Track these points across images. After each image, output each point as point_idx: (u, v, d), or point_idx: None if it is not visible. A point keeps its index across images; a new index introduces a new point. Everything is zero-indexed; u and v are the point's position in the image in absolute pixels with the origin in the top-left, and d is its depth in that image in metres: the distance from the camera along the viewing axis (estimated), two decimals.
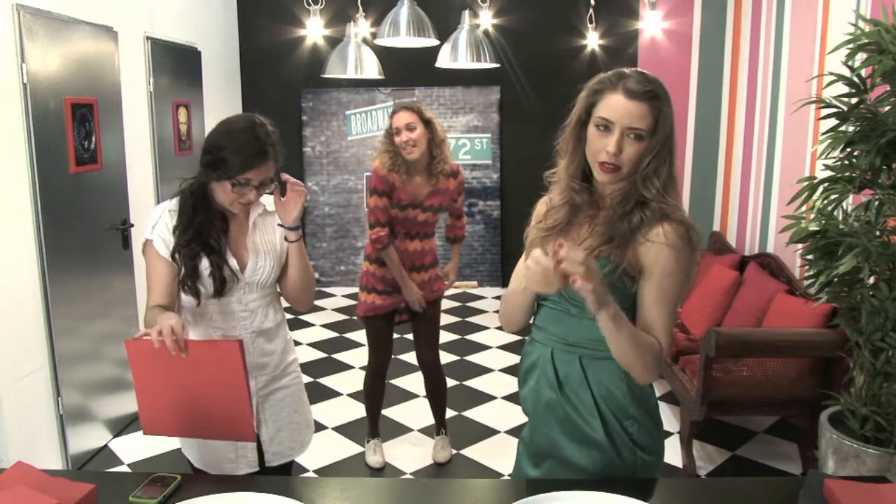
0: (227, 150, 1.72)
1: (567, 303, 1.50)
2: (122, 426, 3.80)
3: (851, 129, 2.44)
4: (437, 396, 3.47)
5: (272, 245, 1.89)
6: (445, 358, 4.54)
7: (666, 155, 1.44)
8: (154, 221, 1.82)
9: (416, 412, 3.97)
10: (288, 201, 1.80)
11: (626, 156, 1.43)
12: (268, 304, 1.91)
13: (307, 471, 3.33)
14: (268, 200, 1.91)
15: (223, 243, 1.81)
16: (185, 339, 1.58)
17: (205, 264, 1.78)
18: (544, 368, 1.55)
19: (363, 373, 4.63)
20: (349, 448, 3.61)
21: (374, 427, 3.49)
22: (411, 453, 3.53)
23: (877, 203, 2.42)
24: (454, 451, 3.53)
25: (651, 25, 5.83)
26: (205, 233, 1.78)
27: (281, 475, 1.94)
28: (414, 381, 4.37)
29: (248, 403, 1.63)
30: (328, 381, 4.50)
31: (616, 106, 1.42)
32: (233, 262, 1.82)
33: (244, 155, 1.71)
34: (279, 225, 1.84)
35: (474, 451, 3.55)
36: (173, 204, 1.83)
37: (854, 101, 2.41)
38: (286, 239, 1.85)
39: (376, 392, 3.45)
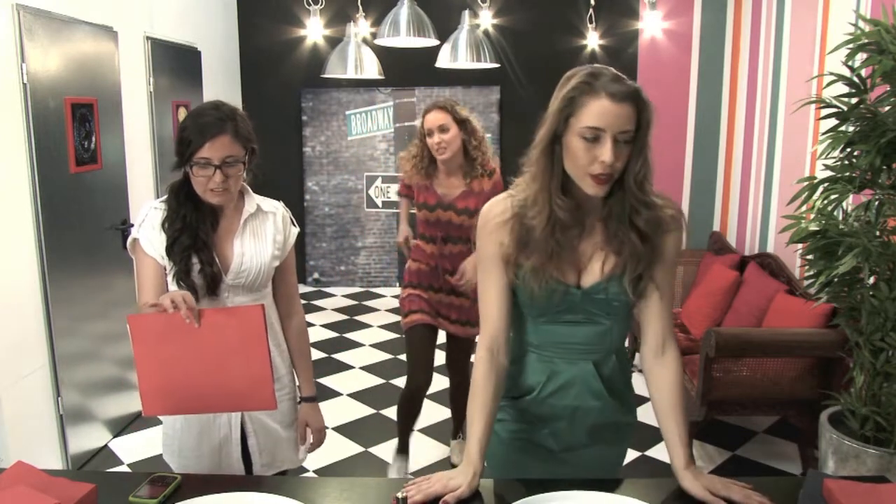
0: (188, 129, 1.70)
1: (600, 316, 1.49)
2: (122, 426, 3.80)
3: (851, 129, 2.44)
4: (460, 402, 3.14)
5: (261, 249, 1.84)
6: None
7: (648, 151, 1.40)
8: (140, 220, 1.80)
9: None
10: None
11: (619, 163, 1.36)
12: None
13: (307, 471, 3.34)
14: (261, 200, 1.88)
15: (210, 240, 1.78)
16: (198, 309, 1.56)
17: (195, 260, 1.75)
18: (585, 382, 1.53)
19: (363, 373, 4.65)
20: (349, 448, 3.61)
21: (403, 443, 3.24)
22: (413, 453, 3.53)
23: (877, 203, 2.42)
24: None
25: (651, 25, 5.83)
26: (193, 223, 1.75)
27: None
28: None
29: (270, 369, 1.60)
30: (328, 381, 4.50)
31: (604, 112, 1.32)
32: (217, 261, 1.78)
33: (199, 129, 1.68)
34: (302, 399, 1.99)
35: None
36: (158, 202, 1.82)
37: (854, 101, 2.41)
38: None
39: (410, 413, 3.20)
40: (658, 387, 1.52)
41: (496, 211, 1.50)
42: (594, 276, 1.46)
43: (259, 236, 1.85)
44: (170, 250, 1.75)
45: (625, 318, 1.54)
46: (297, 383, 2.02)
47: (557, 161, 1.41)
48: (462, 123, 2.86)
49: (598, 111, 1.33)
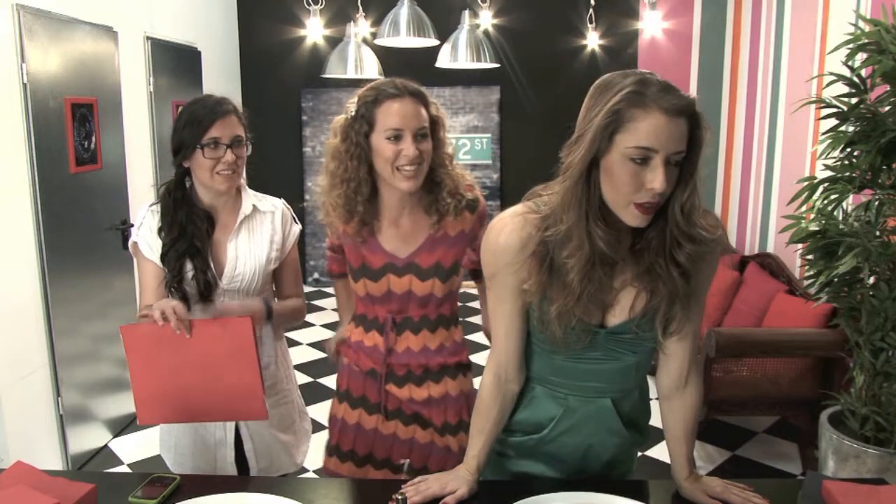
0: (185, 122, 1.70)
1: (625, 354, 1.34)
2: (122, 426, 3.80)
3: (851, 129, 2.44)
4: None
5: (256, 252, 1.81)
6: None
7: (698, 176, 1.18)
8: (139, 223, 1.80)
9: None
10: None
11: (668, 188, 1.14)
12: None
13: (307, 471, 3.33)
14: (259, 199, 1.86)
15: (207, 245, 1.77)
16: (189, 319, 1.57)
17: (188, 267, 1.74)
18: (602, 420, 1.39)
19: None
20: None
21: None
22: None
23: (877, 203, 2.42)
24: None
25: (651, 25, 5.83)
26: (188, 230, 1.74)
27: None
28: None
29: (260, 381, 1.60)
30: (328, 381, 4.50)
31: (658, 130, 1.11)
32: (212, 266, 1.77)
33: (203, 112, 1.69)
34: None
35: None
36: (156, 206, 1.81)
37: (854, 101, 2.41)
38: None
39: None
40: (675, 416, 1.42)
41: (514, 240, 1.25)
42: (622, 316, 1.29)
43: (254, 239, 1.82)
44: (164, 257, 1.75)
45: (651, 353, 1.39)
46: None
47: (595, 187, 1.18)
48: (434, 126, 1.70)
49: (650, 128, 1.11)
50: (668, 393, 1.43)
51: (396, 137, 1.61)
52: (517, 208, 1.31)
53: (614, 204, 1.18)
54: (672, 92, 1.13)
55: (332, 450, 1.88)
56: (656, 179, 1.12)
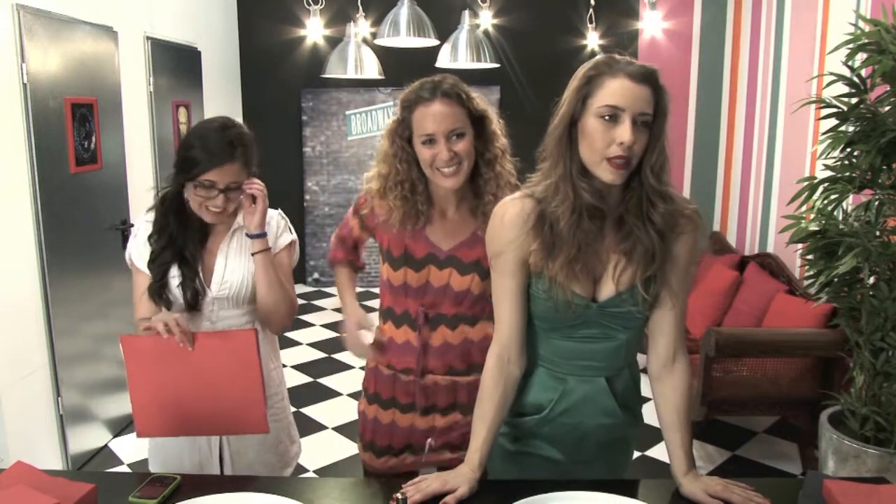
0: (195, 150, 1.65)
1: (617, 330, 1.43)
2: (122, 426, 3.80)
3: (851, 129, 2.44)
4: None
5: (245, 261, 1.78)
6: None
7: (665, 140, 1.34)
8: (134, 234, 1.79)
9: None
10: (248, 204, 1.70)
11: (637, 146, 1.29)
12: (244, 322, 1.79)
13: (307, 471, 3.33)
14: None
15: (197, 254, 1.74)
16: (191, 332, 1.57)
17: (174, 273, 1.72)
18: (597, 400, 1.47)
19: (363, 373, 4.64)
20: (349, 448, 3.60)
21: None
22: None
23: (877, 203, 2.42)
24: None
25: (651, 25, 5.83)
26: (179, 241, 1.72)
27: None
28: None
29: (262, 394, 1.59)
30: (328, 381, 4.51)
31: (623, 90, 1.28)
32: (201, 275, 1.74)
33: (208, 153, 1.63)
34: (247, 235, 1.73)
35: None
36: (150, 215, 1.78)
37: (854, 101, 2.41)
38: (252, 251, 1.72)
39: None
40: (666, 398, 1.49)
41: (516, 217, 1.40)
42: (610, 289, 1.40)
43: (245, 248, 1.79)
44: (150, 265, 1.73)
45: (640, 330, 1.48)
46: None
47: (575, 146, 1.35)
48: (479, 122, 1.72)
49: (617, 89, 1.28)
50: (657, 373, 1.50)
51: (430, 141, 1.66)
52: (515, 194, 1.47)
53: (591, 162, 1.33)
54: (636, 64, 1.31)
55: (367, 445, 1.91)
56: (624, 133, 1.27)
